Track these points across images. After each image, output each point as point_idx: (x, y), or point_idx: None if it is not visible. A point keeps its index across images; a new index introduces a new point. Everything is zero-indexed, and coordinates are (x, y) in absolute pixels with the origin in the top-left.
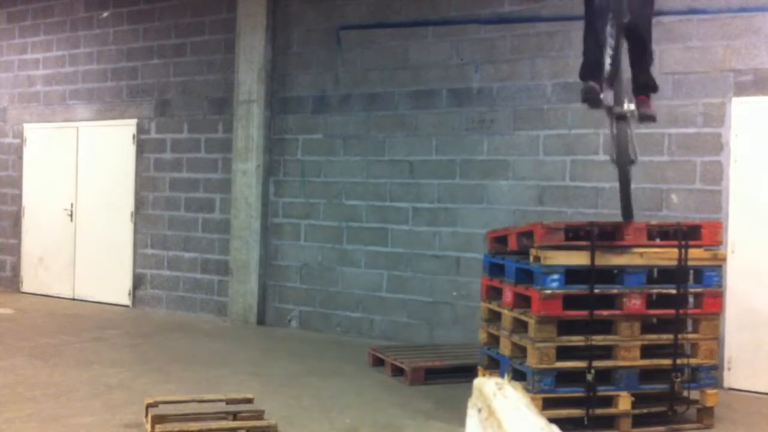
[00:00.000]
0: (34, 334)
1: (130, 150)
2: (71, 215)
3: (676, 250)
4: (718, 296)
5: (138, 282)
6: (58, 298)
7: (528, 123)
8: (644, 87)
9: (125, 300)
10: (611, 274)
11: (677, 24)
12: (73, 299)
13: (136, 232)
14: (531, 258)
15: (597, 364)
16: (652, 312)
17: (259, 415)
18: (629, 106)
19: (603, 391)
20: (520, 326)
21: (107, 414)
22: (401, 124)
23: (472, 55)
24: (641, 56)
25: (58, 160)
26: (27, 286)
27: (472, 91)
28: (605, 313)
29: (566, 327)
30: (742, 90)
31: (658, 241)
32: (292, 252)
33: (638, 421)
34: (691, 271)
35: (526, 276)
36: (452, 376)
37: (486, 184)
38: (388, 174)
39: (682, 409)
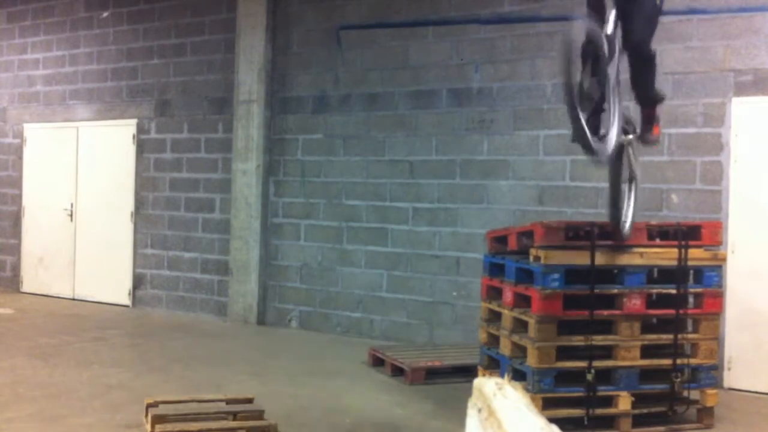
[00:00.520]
0: (34, 334)
1: (130, 150)
2: (71, 215)
3: (676, 250)
4: (718, 296)
5: (138, 282)
6: (58, 298)
7: (528, 123)
8: (651, 101)
9: (125, 300)
10: (611, 274)
11: (677, 24)
12: (73, 299)
13: (136, 232)
14: (531, 258)
15: (597, 364)
16: (652, 312)
17: (259, 415)
18: (626, 138)
19: (603, 391)
20: (520, 326)
21: (107, 414)
22: (401, 124)
23: (472, 55)
24: (646, 74)
25: (58, 160)
26: (27, 286)
27: (472, 91)
28: (605, 313)
29: (566, 327)
30: (742, 90)
31: (658, 241)
32: (292, 252)
33: (638, 421)
34: (691, 271)
35: (526, 276)
36: (452, 376)
37: (486, 184)
38: (388, 174)
39: (682, 409)
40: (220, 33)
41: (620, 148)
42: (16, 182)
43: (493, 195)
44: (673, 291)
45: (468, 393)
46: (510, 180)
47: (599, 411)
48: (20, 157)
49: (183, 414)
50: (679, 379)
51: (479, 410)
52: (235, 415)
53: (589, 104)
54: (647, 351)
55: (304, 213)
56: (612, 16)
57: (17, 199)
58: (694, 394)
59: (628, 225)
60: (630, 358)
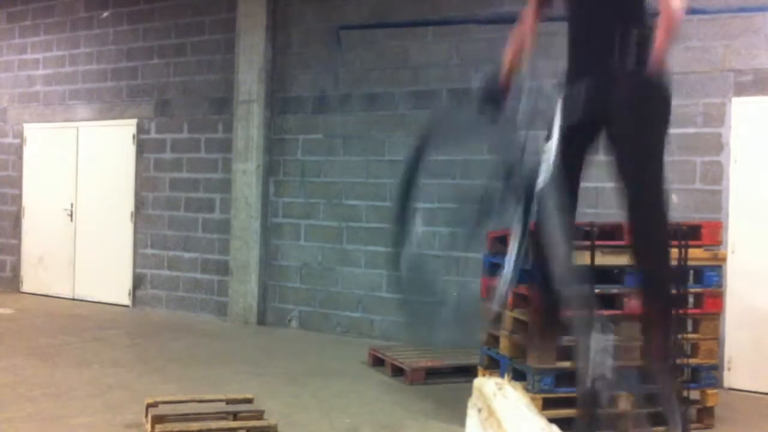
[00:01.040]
0: (34, 334)
1: (130, 150)
2: (71, 215)
3: (675, 250)
4: (718, 296)
5: (138, 282)
6: (58, 298)
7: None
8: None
9: (125, 300)
10: (612, 274)
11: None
12: (73, 299)
13: (136, 232)
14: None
15: None
16: None
17: (259, 415)
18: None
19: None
20: (521, 326)
21: (107, 414)
22: (401, 124)
23: (473, 55)
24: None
25: (58, 160)
26: (27, 286)
27: (472, 91)
28: (606, 313)
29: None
30: (742, 90)
31: None
32: (292, 252)
33: (639, 421)
34: (691, 271)
35: (526, 276)
36: (452, 376)
37: (486, 184)
38: (389, 174)
39: (683, 409)
40: (220, 33)
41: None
42: (16, 182)
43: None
44: (673, 291)
45: (468, 393)
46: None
47: (599, 411)
48: (20, 157)
49: (183, 414)
50: (679, 380)
51: (479, 410)
52: (235, 415)
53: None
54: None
55: (304, 213)
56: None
57: (17, 199)
58: (695, 394)
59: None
60: (630, 358)
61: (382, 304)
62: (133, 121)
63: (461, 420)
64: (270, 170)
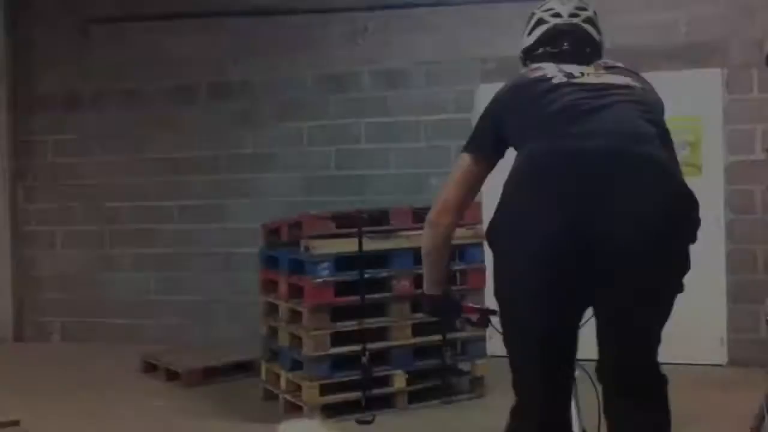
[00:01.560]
0: None
1: None
2: None
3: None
4: (482, 272)
5: None
6: None
7: (292, 115)
8: None
9: None
10: (381, 259)
11: (428, 14)
12: None
13: None
14: (301, 248)
15: (371, 346)
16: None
17: None
18: None
19: (379, 372)
20: (297, 316)
21: None
22: (161, 120)
23: (232, 48)
24: None
25: None
26: None
27: (232, 84)
28: (376, 296)
29: (341, 313)
30: (487, 77)
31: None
32: (48, 261)
33: (414, 397)
34: (456, 250)
35: (298, 266)
36: (233, 373)
37: (253, 178)
38: (151, 172)
39: (455, 381)
40: None
41: None
42: None
43: (261, 188)
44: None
45: (249, 388)
46: (277, 172)
47: (376, 391)
48: None
49: None
50: (449, 353)
51: None
52: None
53: None
54: (419, 329)
55: (60, 219)
56: None
57: None
58: (466, 366)
59: None
60: (402, 337)
61: (152, 308)
62: None
63: (241, 416)
64: (18, 175)
